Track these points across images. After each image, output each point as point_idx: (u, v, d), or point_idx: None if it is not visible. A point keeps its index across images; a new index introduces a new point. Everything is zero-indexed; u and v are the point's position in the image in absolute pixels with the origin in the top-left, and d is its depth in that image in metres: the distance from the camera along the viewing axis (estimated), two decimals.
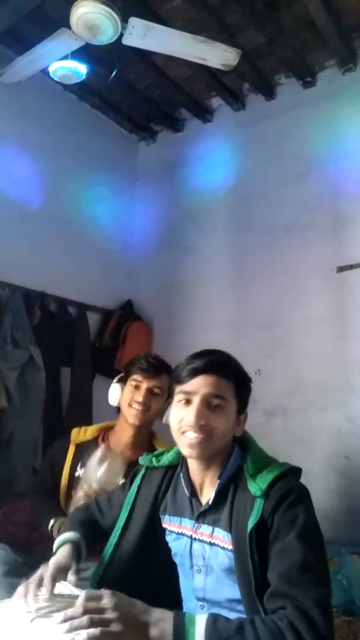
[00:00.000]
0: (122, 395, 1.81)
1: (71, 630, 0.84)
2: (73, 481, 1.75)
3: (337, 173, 2.85)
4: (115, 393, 1.84)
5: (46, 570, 1.08)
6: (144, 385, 1.76)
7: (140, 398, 1.74)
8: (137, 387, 1.77)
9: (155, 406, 1.77)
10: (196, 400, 1.10)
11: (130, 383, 1.78)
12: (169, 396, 1.77)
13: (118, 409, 1.86)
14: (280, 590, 0.94)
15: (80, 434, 1.85)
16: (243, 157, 3.27)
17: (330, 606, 0.93)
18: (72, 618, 0.85)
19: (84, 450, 1.79)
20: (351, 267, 2.71)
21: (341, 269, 2.74)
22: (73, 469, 1.78)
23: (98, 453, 1.57)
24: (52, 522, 1.65)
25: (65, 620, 0.85)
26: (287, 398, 2.80)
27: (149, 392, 1.76)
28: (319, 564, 0.97)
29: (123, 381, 1.84)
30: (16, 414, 2.57)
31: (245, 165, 3.25)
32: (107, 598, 0.88)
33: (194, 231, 3.37)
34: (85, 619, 0.84)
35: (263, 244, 3.05)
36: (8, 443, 2.56)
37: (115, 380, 1.87)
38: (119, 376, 1.89)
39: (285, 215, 3.00)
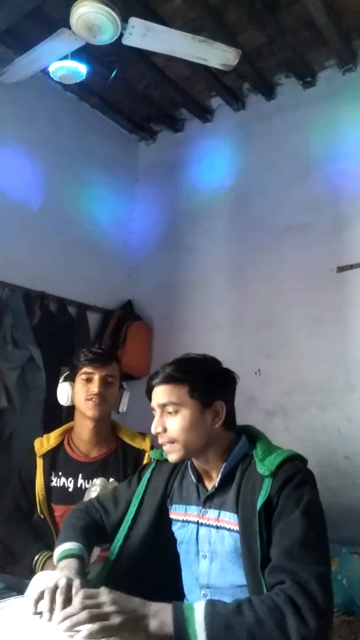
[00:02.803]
0: (75, 392, 1.74)
1: (72, 627, 0.84)
2: (51, 492, 1.71)
3: (337, 173, 2.85)
4: (66, 392, 1.76)
5: (55, 593, 0.98)
6: (96, 376, 1.71)
7: (95, 389, 1.69)
8: (89, 380, 1.71)
9: (110, 395, 1.74)
10: (155, 412, 1.19)
11: (81, 377, 1.72)
12: (121, 385, 1.81)
13: (71, 410, 1.81)
14: (280, 565, 0.97)
15: (43, 444, 1.78)
16: (243, 157, 3.27)
17: (329, 582, 0.95)
18: (71, 615, 0.86)
19: (52, 458, 1.75)
20: (351, 267, 2.71)
21: (341, 269, 2.74)
22: (47, 479, 1.72)
23: (98, 482, 1.51)
24: (36, 557, 1.59)
25: (65, 619, 0.86)
26: (287, 398, 2.80)
27: (103, 382, 1.71)
28: (320, 542, 1.00)
29: (71, 379, 1.77)
30: (16, 414, 2.57)
31: (245, 165, 3.25)
32: (104, 594, 0.90)
33: (194, 231, 3.37)
34: (84, 614, 0.85)
35: (263, 244, 3.05)
36: (8, 443, 2.56)
37: (61, 380, 1.79)
38: (64, 375, 1.81)
39: (285, 215, 3.00)
